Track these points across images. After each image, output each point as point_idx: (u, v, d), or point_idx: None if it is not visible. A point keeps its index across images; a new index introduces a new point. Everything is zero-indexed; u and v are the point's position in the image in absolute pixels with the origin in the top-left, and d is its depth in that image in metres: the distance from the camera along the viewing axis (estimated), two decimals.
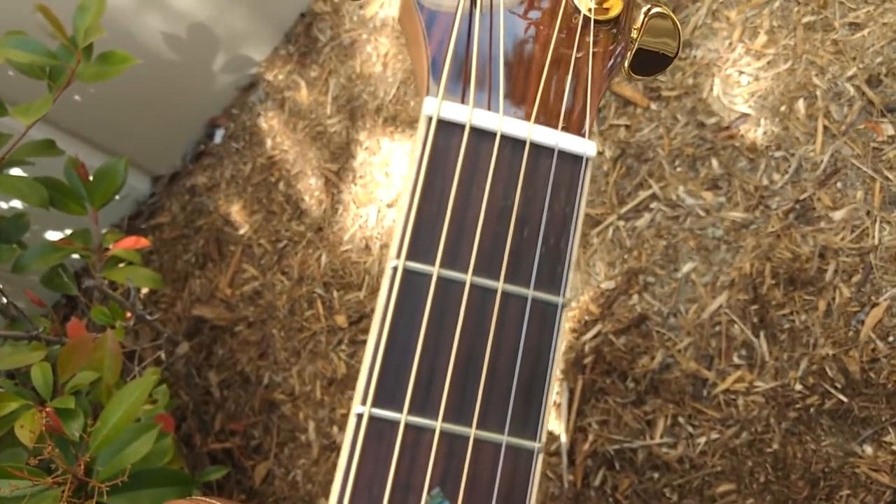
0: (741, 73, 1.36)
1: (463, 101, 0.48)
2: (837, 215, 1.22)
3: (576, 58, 0.51)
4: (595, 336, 1.33)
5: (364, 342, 1.53)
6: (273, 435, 1.55)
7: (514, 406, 0.46)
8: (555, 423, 1.32)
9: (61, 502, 0.91)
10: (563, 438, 1.30)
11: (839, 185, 1.23)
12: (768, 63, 1.34)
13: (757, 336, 1.22)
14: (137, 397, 1.04)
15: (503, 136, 0.48)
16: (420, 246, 0.46)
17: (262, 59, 1.86)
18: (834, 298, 1.18)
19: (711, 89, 1.37)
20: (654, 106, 1.41)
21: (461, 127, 0.47)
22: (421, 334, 0.45)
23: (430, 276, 0.46)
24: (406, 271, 0.45)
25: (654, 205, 1.36)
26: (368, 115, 1.68)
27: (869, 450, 1.11)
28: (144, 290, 1.78)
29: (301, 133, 1.75)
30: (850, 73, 1.27)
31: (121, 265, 1.34)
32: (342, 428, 1.49)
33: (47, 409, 0.97)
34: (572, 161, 0.49)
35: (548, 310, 0.47)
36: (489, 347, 0.46)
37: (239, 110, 1.86)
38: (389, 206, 1.59)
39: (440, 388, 0.45)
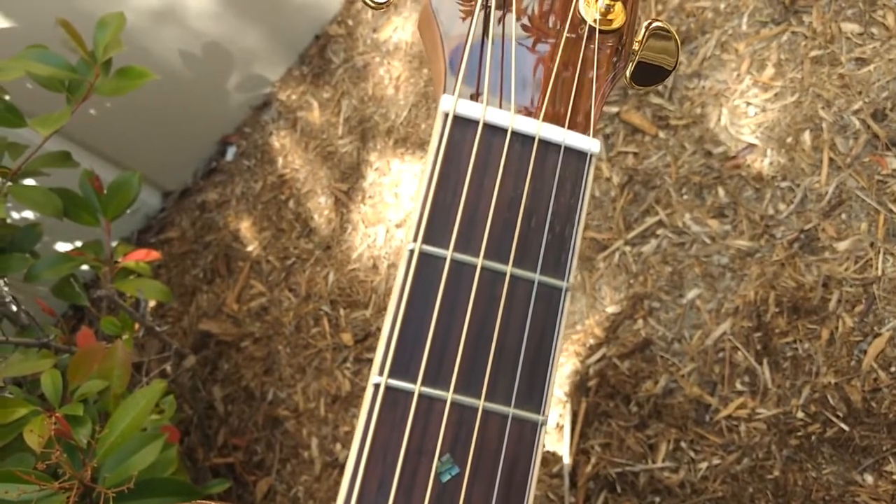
0: (748, 104, 1.38)
1: (477, 100, 0.52)
2: (841, 246, 1.23)
3: (582, 64, 0.55)
4: (599, 360, 1.34)
5: (370, 360, 1.54)
6: (276, 451, 1.55)
7: (520, 381, 0.49)
8: (557, 444, 1.33)
9: None
10: (566, 460, 1.31)
11: (844, 216, 1.25)
12: (775, 95, 1.36)
13: (760, 363, 1.23)
14: (144, 406, 1.05)
15: (514, 133, 0.51)
16: (435, 231, 0.49)
17: (276, 79, 1.89)
18: (837, 328, 1.19)
19: (719, 119, 1.39)
20: (662, 134, 1.43)
21: (475, 123, 0.51)
22: (435, 312, 0.48)
23: (444, 258, 0.49)
24: (422, 254, 0.49)
25: (660, 231, 1.37)
26: (379, 136, 1.71)
27: (869, 479, 1.12)
28: (152, 304, 1.79)
29: (312, 153, 1.77)
30: (855, 107, 1.29)
31: (131, 277, 1.36)
32: (345, 445, 1.49)
33: (57, 415, 0.98)
34: (577, 157, 0.52)
35: (553, 293, 0.50)
36: (498, 326, 0.49)
37: (251, 129, 1.88)
38: (398, 226, 1.61)
39: (452, 361, 0.48)
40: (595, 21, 0.55)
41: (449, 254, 0.49)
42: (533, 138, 0.51)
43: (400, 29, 1.78)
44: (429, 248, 0.49)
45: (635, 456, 1.27)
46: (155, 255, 1.36)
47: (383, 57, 1.77)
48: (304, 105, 1.83)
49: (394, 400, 0.47)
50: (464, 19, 0.54)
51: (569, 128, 0.52)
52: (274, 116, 1.86)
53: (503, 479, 0.48)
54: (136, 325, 1.34)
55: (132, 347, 1.26)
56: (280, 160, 1.81)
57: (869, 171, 1.25)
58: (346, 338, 1.58)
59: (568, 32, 0.55)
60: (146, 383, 1.38)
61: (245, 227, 1.78)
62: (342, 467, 1.48)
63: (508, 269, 0.49)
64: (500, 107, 0.52)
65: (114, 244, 1.40)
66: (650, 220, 1.39)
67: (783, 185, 1.31)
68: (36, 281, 1.29)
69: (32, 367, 1.15)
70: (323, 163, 1.75)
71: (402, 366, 0.47)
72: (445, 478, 0.47)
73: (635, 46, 0.56)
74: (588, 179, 0.52)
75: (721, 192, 1.35)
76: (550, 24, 0.55)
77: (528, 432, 0.48)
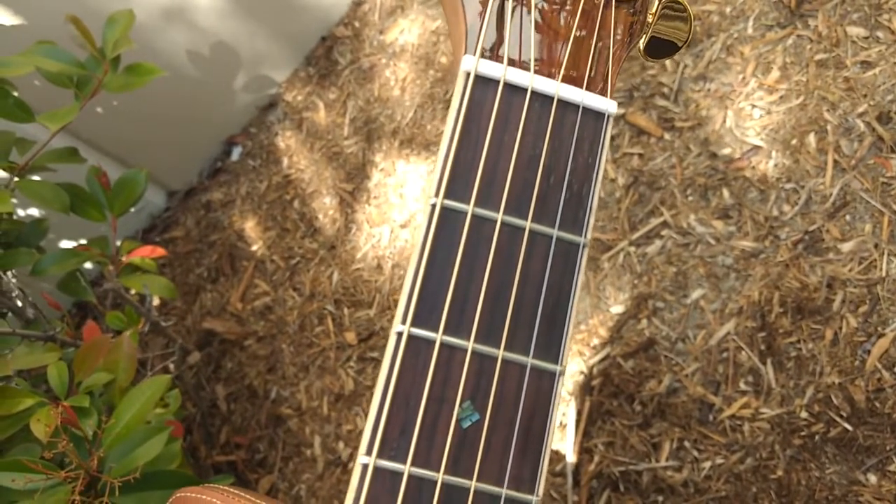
0: (754, 106, 1.39)
1: (497, 60, 0.53)
2: (846, 247, 1.23)
3: (598, 30, 0.56)
4: (603, 359, 1.34)
5: (373, 359, 1.54)
6: (278, 449, 1.55)
7: (538, 333, 0.50)
8: (561, 443, 1.33)
9: (73, 497, 0.92)
10: (569, 459, 1.31)
11: (848, 217, 1.25)
12: (780, 98, 1.37)
13: (764, 363, 1.24)
14: (150, 396, 1.05)
15: (534, 92, 0.52)
16: (457, 186, 0.50)
17: (283, 79, 1.90)
18: (841, 328, 1.20)
19: (724, 121, 1.40)
20: (667, 136, 1.43)
21: (496, 82, 0.52)
22: (456, 264, 0.49)
23: (465, 213, 0.50)
24: (444, 208, 0.50)
25: (665, 232, 1.38)
26: (385, 137, 1.71)
27: (873, 479, 1.12)
28: (156, 302, 1.79)
29: (318, 153, 1.78)
30: (860, 110, 1.30)
31: (137, 273, 1.36)
32: (348, 444, 1.50)
33: (64, 404, 0.99)
34: (595, 117, 0.53)
35: (570, 249, 0.51)
36: (517, 279, 0.50)
37: (257, 129, 1.89)
38: (402, 226, 1.62)
39: (472, 312, 0.49)
40: None
41: (470, 208, 0.50)
42: (552, 98, 0.52)
43: (406, 31, 1.78)
44: (450, 203, 0.50)
45: (638, 455, 1.27)
46: (160, 251, 1.36)
47: (389, 58, 1.78)
48: (310, 106, 1.84)
49: (416, 348, 0.48)
50: None
51: (587, 89, 0.53)
52: (280, 117, 1.87)
53: (522, 427, 0.49)
54: (141, 321, 1.35)
55: (137, 342, 1.26)
56: (285, 160, 1.82)
57: (873, 173, 1.25)
58: (350, 337, 1.58)
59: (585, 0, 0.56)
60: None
61: (250, 226, 1.79)
62: (345, 465, 1.48)
63: (528, 224, 0.51)
64: (520, 67, 0.53)
65: (119, 243, 1.40)
66: (655, 221, 1.39)
67: (788, 186, 1.31)
68: (42, 275, 1.29)
69: (38, 359, 1.15)
70: (328, 163, 1.76)
71: (424, 315, 0.49)
72: (466, 424, 0.48)
73: (649, 19, 0.57)
74: (605, 139, 0.53)
75: (726, 193, 1.35)
76: None
77: (546, 382, 0.50)
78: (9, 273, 1.27)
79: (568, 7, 0.55)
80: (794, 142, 1.33)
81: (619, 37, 0.56)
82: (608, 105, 0.53)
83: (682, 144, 1.42)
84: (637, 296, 1.36)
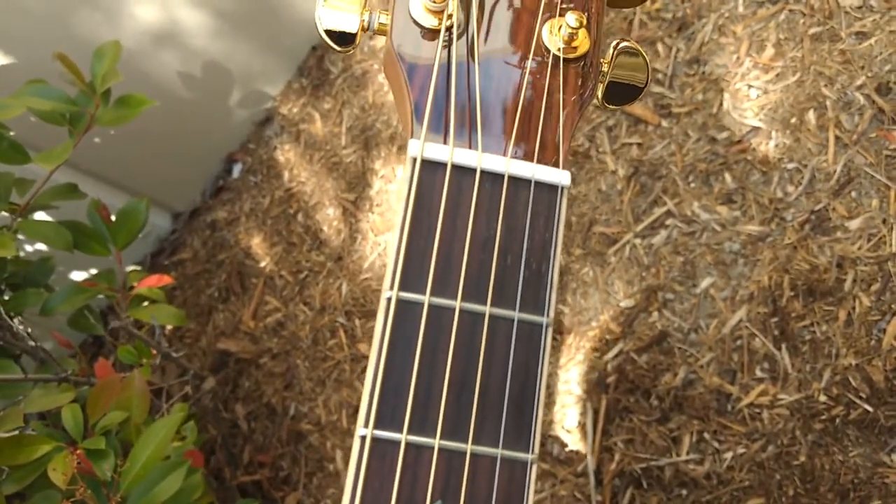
0: (750, 86, 1.37)
1: (444, 142, 0.51)
2: (853, 224, 1.22)
3: (547, 94, 0.54)
4: (617, 355, 1.34)
5: None
6: (301, 465, 1.56)
7: (506, 421, 0.48)
8: (580, 443, 1.32)
9: None
10: (590, 459, 1.31)
11: (853, 194, 1.23)
12: (777, 76, 1.35)
13: (779, 348, 1.22)
14: (165, 436, 1.05)
15: (483, 172, 0.51)
16: (411, 277, 0.49)
17: (277, 93, 1.89)
18: (854, 308, 1.18)
19: (721, 104, 1.38)
20: (665, 123, 1.42)
21: (443, 165, 0.51)
22: (416, 358, 0.48)
23: (421, 304, 0.48)
24: (399, 301, 0.48)
25: (669, 221, 1.36)
26: (383, 143, 1.70)
27: None
28: (169, 326, 1.80)
29: (317, 164, 1.77)
30: (858, 82, 1.28)
31: (145, 303, 1.36)
32: None
33: (78, 452, 0.99)
34: (548, 190, 0.52)
35: (534, 330, 0.50)
36: (480, 367, 0.48)
37: (256, 144, 1.88)
38: None
39: (436, 407, 0.47)
40: (559, 50, 0.55)
41: (426, 299, 0.48)
42: (502, 176, 0.51)
43: None
44: (406, 295, 0.48)
45: (659, 450, 1.26)
46: (167, 279, 1.36)
47: (381, 64, 1.77)
48: (306, 117, 1.83)
49: (381, 451, 0.47)
50: (427, 59, 0.53)
51: (538, 162, 0.52)
52: (277, 131, 1.86)
53: None
54: (154, 352, 1.35)
55: (149, 375, 1.26)
56: (286, 174, 1.81)
57: (876, 147, 1.24)
58: (364, 348, 1.58)
59: (532, 64, 0.54)
60: (167, 409, 1.39)
61: (256, 243, 1.79)
62: None
63: (487, 309, 0.49)
64: (469, 146, 0.52)
65: (128, 269, 1.40)
66: (658, 211, 1.38)
67: (790, 166, 1.30)
68: (51, 314, 1.30)
69: (53, 401, 1.16)
70: (328, 174, 1.75)
71: (387, 415, 0.47)
72: None
73: (604, 68, 0.55)
74: (561, 212, 0.51)
75: (728, 177, 1.34)
76: (514, 58, 0.55)
77: (518, 472, 0.48)
78: (17, 318, 1.28)
79: (515, 76, 0.54)
80: (793, 120, 1.31)
81: (570, 99, 0.54)
82: (561, 177, 0.52)
83: (681, 130, 1.40)
84: (646, 288, 1.35)
